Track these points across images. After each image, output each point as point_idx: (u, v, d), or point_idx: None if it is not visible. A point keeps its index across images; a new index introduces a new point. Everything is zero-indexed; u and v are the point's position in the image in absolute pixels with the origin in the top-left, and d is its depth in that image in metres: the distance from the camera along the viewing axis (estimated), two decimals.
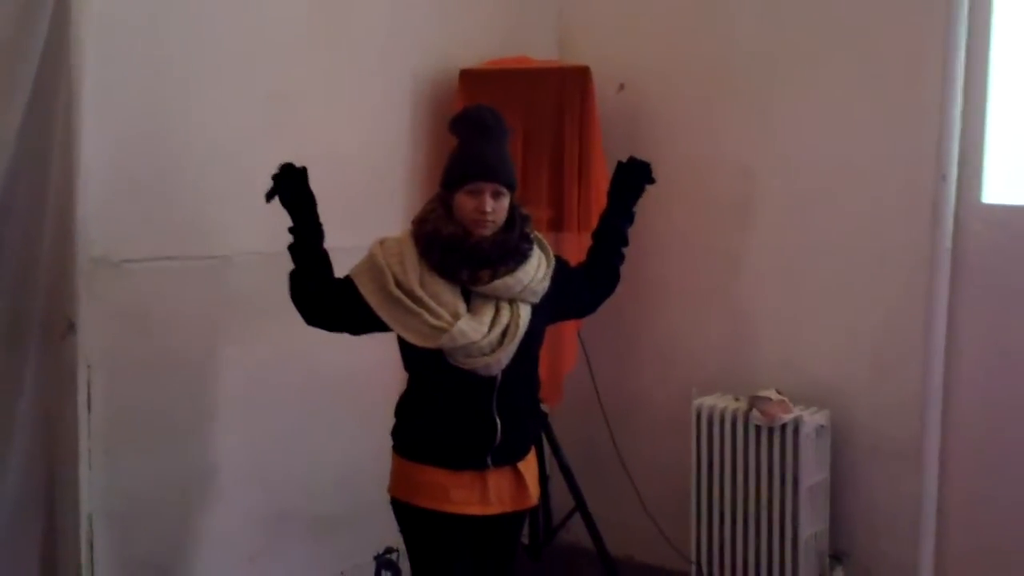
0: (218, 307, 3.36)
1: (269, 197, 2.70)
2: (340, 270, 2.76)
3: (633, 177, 2.99)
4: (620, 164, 3.02)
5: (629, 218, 3.01)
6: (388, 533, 3.10)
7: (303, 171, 2.71)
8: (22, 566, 2.96)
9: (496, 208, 2.67)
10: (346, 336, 2.81)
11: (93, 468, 3.02)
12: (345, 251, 2.78)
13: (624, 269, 3.04)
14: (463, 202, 2.68)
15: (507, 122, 2.78)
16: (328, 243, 2.75)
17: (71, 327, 2.96)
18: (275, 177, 2.70)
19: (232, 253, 3.36)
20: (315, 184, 2.74)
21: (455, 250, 2.65)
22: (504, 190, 2.69)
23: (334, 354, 3.36)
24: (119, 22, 3.03)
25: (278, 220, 2.77)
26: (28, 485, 2.94)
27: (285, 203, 2.71)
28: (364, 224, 3.20)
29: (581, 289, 2.97)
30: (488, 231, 2.68)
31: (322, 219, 2.75)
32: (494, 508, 2.76)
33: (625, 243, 3.01)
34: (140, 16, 3.10)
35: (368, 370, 3.57)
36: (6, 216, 2.85)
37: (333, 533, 3.70)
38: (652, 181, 3.00)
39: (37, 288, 2.93)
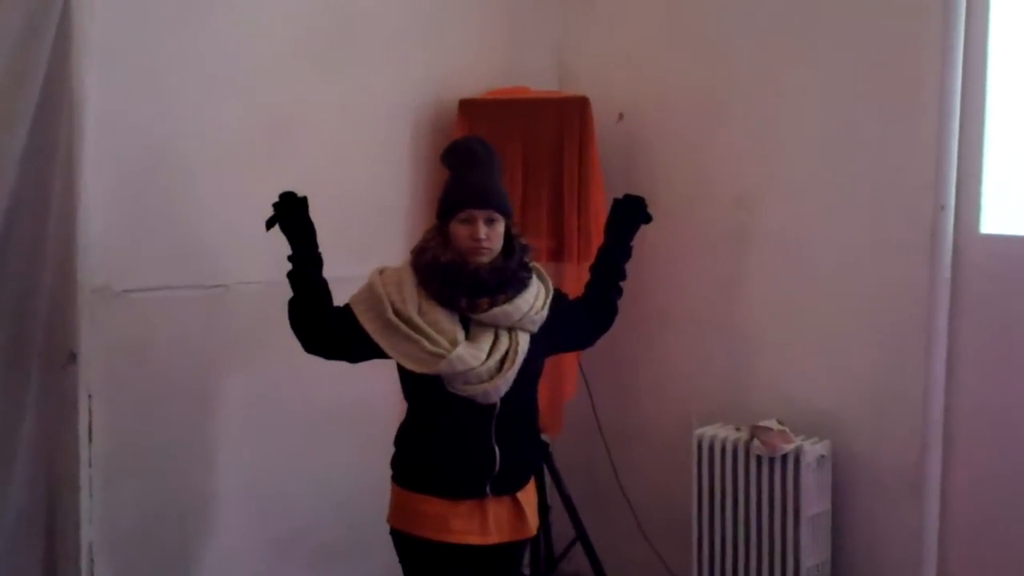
0: (219, 336, 3.36)
1: (269, 225, 2.73)
2: (339, 299, 2.78)
3: (629, 214, 3.01)
4: (616, 201, 3.04)
5: (626, 253, 3.02)
6: (388, 563, 3.08)
7: (304, 200, 2.74)
8: None
9: (490, 235, 2.69)
10: (346, 365, 2.82)
11: (94, 497, 3.03)
12: (345, 280, 2.79)
13: (623, 298, 3.05)
14: (458, 231, 2.69)
15: (498, 152, 2.81)
16: (327, 272, 2.78)
17: (72, 357, 2.97)
18: (276, 205, 2.73)
19: (232, 282, 3.37)
20: (315, 213, 2.77)
21: (453, 278, 2.66)
22: (497, 216, 2.71)
23: (334, 383, 3.37)
24: (121, 52, 3.06)
25: (278, 249, 2.79)
26: (29, 513, 2.95)
27: (285, 231, 2.73)
28: (364, 253, 3.21)
29: (579, 321, 2.98)
30: (485, 258, 2.69)
31: (322, 248, 2.77)
32: (493, 538, 2.75)
33: (622, 277, 3.02)
34: (142, 47, 3.13)
35: (368, 399, 3.57)
36: (7, 245, 2.87)
37: (333, 562, 3.68)
38: (648, 220, 3.02)
39: (38, 317, 2.94)
